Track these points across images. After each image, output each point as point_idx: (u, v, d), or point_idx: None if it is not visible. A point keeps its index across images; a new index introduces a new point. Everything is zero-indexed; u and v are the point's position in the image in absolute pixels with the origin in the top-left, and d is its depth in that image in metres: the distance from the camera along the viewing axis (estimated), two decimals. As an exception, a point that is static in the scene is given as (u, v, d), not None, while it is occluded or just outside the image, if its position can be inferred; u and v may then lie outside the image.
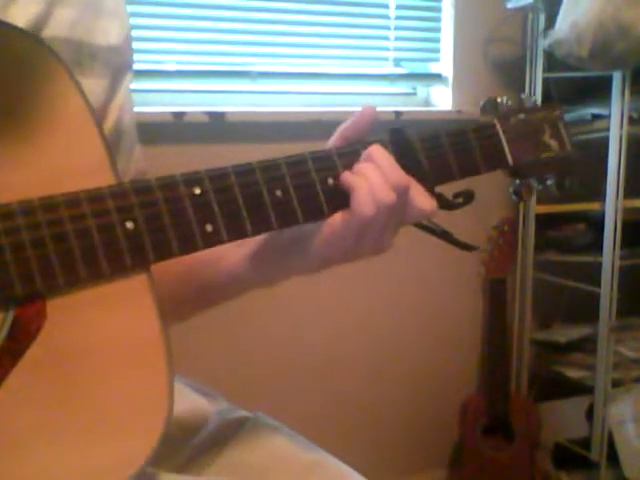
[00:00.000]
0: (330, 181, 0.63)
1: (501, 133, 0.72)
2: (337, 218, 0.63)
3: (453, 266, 2.08)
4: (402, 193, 0.63)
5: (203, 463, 0.76)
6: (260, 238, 0.69)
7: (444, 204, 0.67)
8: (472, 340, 2.28)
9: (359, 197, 0.62)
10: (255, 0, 1.92)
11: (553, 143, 0.75)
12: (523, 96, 0.75)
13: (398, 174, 0.63)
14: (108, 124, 0.70)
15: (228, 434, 0.79)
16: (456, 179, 0.69)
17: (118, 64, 0.72)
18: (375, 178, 0.62)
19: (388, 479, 2.15)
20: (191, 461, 0.76)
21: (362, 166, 0.64)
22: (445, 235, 0.69)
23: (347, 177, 0.64)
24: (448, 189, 0.69)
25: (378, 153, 0.64)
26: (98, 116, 0.59)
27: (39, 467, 0.53)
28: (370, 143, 0.66)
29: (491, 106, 0.74)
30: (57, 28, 0.65)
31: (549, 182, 0.76)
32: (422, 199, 0.64)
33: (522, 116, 0.74)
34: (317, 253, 0.65)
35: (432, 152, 0.68)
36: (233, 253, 0.71)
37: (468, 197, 0.68)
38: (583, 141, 1.88)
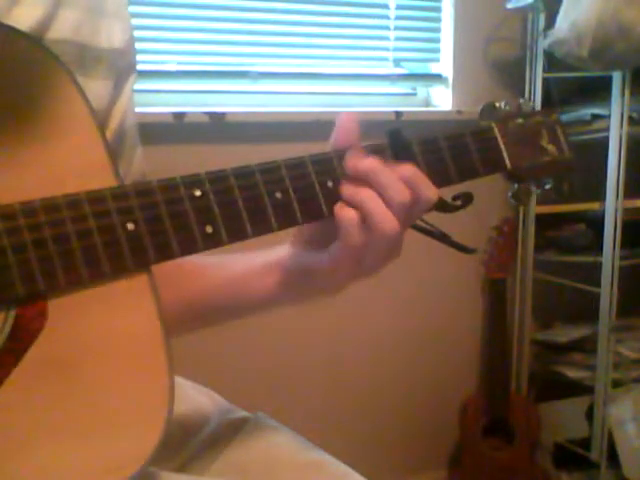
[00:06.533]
0: (329, 184, 0.63)
1: (499, 137, 0.72)
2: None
3: (453, 266, 2.08)
4: (414, 191, 0.63)
5: (203, 463, 0.76)
6: (285, 265, 0.70)
7: (443, 207, 0.67)
8: (472, 340, 2.28)
9: (376, 217, 0.61)
10: (255, 0, 1.93)
11: (551, 147, 0.75)
12: (522, 100, 0.75)
13: (401, 187, 0.62)
14: (112, 126, 0.70)
15: (228, 434, 0.79)
16: (454, 182, 0.69)
17: (122, 66, 0.72)
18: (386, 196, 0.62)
19: (388, 479, 2.15)
20: (191, 461, 0.77)
21: (363, 192, 0.62)
22: (444, 238, 0.69)
23: (356, 201, 0.62)
24: (447, 191, 0.69)
25: (375, 172, 0.62)
26: (100, 118, 0.59)
27: (40, 467, 0.53)
28: (368, 147, 0.66)
29: (489, 110, 0.74)
30: (61, 30, 0.65)
31: (547, 186, 0.76)
32: (428, 191, 0.64)
33: (520, 120, 0.74)
34: (338, 275, 0.66)
35: (430, 155, 0.68)
36: (260, 281, 0.72)
37: (467, 199, 0.68)
38: (583, 141, 1.89)
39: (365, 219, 0.62)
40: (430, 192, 0.64)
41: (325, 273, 0.66)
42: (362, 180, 0.63)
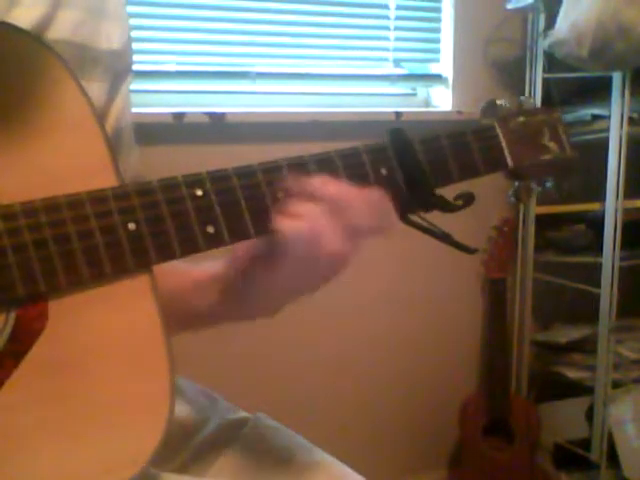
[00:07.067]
0: None
1: (501, 135, 0.72)
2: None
3: (453, 266, 2.08)
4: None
5: (204, 464, 0.76)
6: (223, 279, 0.68)
7: (445, 207, 0.67)
8: (472, 340, 2.28)
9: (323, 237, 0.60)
10: (255, 1, 1.93)
11: (552, 145, 0.75)
12: (523, 98, 0.75)
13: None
14: (108, 127, 0.70)
15: (228, 435, 0.79)
16: (456, 181, 0.69)
17: (119, 68, 0.72)
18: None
19: (388, 479, 2.15)
20: (192, 461, 0.76)
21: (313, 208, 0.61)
22: (445, 237, 0.69)
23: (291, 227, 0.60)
24: (448, 191, 0.69)
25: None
26: (100, 117, 0.59)
27: (41, 467, 0.53)
28: (369, 146, 0.65)
29: (491, 108, 0.74)
30: (60, 31, 0.65)
31: (548, 184, 0.76)
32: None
33: (522, 119, 0.74)
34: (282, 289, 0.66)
35: (432, 154, 0.68)
36: (197, 294, 0.70)
37: (468, 199, 0.68)
38: (583, 141, 1.89)
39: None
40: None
41: (268, 288, 0.65)
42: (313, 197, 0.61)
